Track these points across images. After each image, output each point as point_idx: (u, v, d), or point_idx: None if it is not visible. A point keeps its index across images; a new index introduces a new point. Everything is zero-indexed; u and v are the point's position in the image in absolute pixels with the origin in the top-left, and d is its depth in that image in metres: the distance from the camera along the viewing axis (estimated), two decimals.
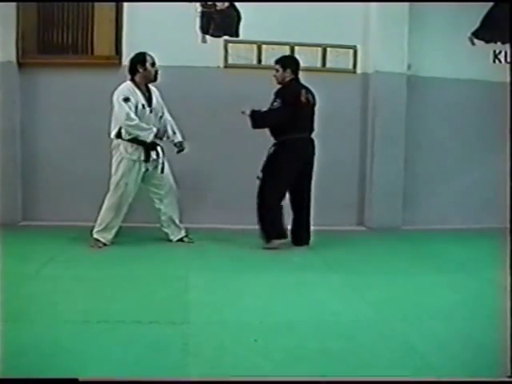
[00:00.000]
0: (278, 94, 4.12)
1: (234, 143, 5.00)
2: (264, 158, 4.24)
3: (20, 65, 4.84)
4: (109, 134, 4.10)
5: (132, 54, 4.20)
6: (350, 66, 5.17)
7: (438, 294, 3.22)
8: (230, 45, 5.01)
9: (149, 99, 4.15)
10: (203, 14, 4.97)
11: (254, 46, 5.03)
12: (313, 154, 4.28)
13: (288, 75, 4.21)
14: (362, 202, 5.27)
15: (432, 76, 5.24)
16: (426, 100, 5.26)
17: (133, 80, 4.12)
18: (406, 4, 5.05)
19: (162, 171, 4.21)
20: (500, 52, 5.36)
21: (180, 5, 4.85)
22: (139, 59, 4.10)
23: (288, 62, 4.27)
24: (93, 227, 4.14)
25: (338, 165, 5.01)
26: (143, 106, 4.08)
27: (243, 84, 4.85)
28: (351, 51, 5.14)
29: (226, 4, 4.99)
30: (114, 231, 4.15)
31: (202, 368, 2.15)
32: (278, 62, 4.28)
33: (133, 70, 4.12)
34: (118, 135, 4.06)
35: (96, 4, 4.84)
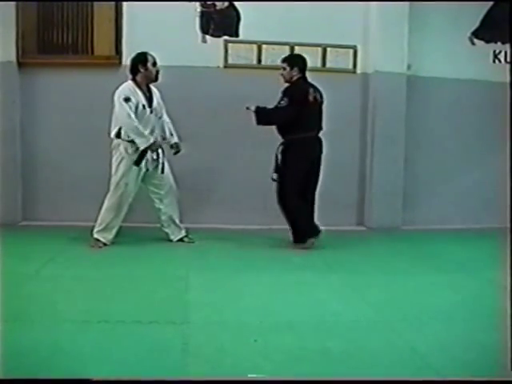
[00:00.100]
0: (285, 93, 4.11)
1: (233, 143, 5.01)
2: (273, 158, 4.23)
3: (20, 65, 4.84)
4: (109, 134, 4.10)
5: (133, 54, 4.19)
6: (350, 66, 5.17)
7: (438, 294, 3.22)
8: (229, 45, 5.01)
9: (149, 99, 4.15)
10: (203, 14, 4.97)
11: (254, 46, 5.03)
12: (320, 152, 4.26)
13: (295, 74, 4.19)
14: (362, 202, 5.27)
15: (432, 76, 5.24)
16: (426, 100, 5.26)
17: (134, 80, 4.11)
18: (406, 4, 5.05)
19: (163, 171, 4.21)
20: (500, 52, 5.36)
21: (180, 5, 4.85)
22: (140, 59, 4.10)
23: (295, 61, 4.26)
24: (93, 227, 4.14)
25: (338, 165, 5.00)
26: (144, 106, 4.07)
27: (243, 84, 4.85)
28: (351, 51, 5.15)
29: (226, 4, 4.99)
30: (114, 231, 4.15)
31: (202, 368, 2.15)
32: (285, 60, 4.28)
33: (134, 70, 4.11)
34: (118, 135, 4.06)
35: (96, 4, 4.84)
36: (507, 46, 5.31)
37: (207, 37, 4.99)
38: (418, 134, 5.22)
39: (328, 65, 5.11)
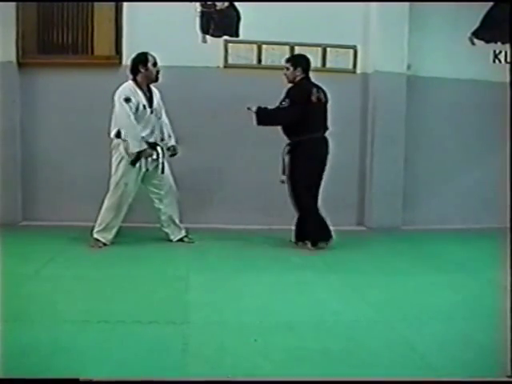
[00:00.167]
0: (287, 93, 4.10)
1: (234, 143, 5.01)
2: (278, 159, 4.22)
3: (20, 65, 4.84)
4: (109, 134, 4.10)
5: (133, 54, 4.19)
6: (350, 66, 5.17)
7: (438, 294, 3.22)
8: (229, 45, 5.01)
9: (150, 100, 4.15)
10: (203, 14, 4.97)
11: (254, 46, 5.03)
12: (327, 153, 4.24)
13: (299, 74, 4.18)
14: (362, 201, 5.28)
15: (432, 76, 5.24)
16: (426, 100, 5.26)
17: (134, 80, 4.11)
18: (406, 4, 5.05)
19: (163, 171, 4.20)
20: (500, 52, 5.37)
21: (180, 5, 4.86)
22: (141, 59, 4.10)
23: (299, 61, 4.25)
24: (93, 227, 4.14)
25: (338, 165, 4.99)
26: (144, 106, 4.07)
27: (243, 84, 4.85)
28: (351, 51, 5.15)
29: (226, 4, 4.99)
30: (114, 231, 4.15)
31: (202, 368, 2.15)
32: (288, 60, 4.28)
33: (134, 70, 4.11)
34: (118, 135, 4.05)
35: (96, 4, 4.84)
36: (507, 46, 5.32)
37: (207, 37, 5.00)
38: (418, 134, 5.23)
39: (328, 65, 5.11)
